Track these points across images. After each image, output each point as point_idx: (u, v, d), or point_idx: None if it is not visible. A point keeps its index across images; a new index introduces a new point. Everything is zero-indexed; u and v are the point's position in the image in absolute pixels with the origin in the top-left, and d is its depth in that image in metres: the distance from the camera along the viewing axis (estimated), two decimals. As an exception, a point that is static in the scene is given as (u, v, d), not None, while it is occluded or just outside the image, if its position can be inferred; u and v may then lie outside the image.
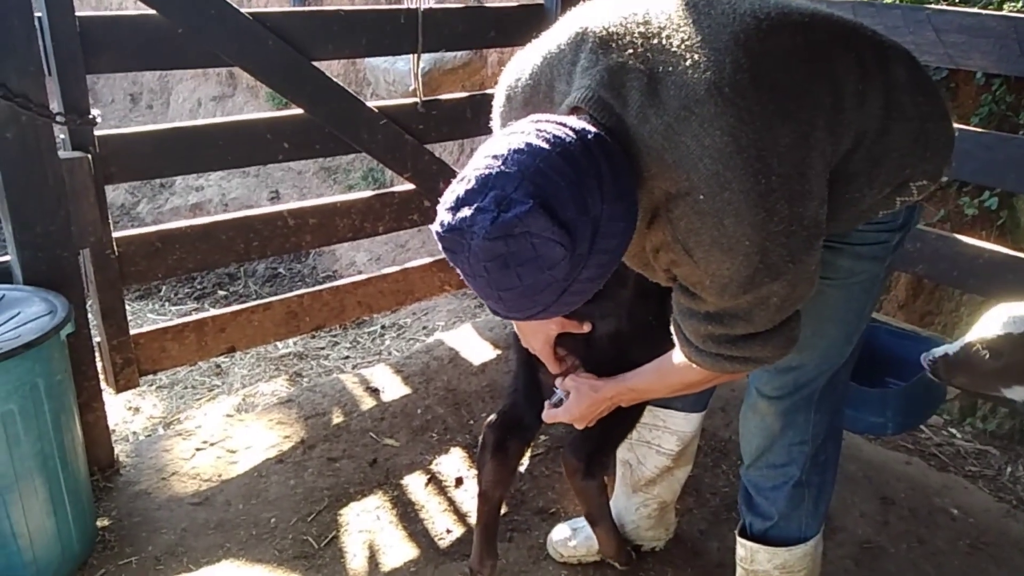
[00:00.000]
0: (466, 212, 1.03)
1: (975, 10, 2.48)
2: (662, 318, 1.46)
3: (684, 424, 1.92)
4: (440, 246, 1.10)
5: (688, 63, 1.14)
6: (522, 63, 1.35)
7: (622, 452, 2.01)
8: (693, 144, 1.12)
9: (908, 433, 2.75)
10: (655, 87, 1.14)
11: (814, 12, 1.27)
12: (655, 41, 1.17)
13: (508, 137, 1.08)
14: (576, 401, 1.57)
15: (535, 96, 1.31)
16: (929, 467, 2.55)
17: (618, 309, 1.64)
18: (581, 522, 2.11)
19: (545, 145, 1.05)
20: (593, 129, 1.11)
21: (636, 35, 1.19)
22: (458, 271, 1.10)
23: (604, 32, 1.21)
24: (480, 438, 1.87)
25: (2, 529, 1.85)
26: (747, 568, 1.71)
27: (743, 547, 1.71)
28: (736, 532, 1.74)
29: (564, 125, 1.10)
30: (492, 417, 1.87)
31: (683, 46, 1.15)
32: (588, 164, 1.06)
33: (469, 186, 1.05)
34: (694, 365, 1.34)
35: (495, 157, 1.05)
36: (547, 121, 1.11)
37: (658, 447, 1.95)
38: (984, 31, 2.28)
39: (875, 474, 2.48)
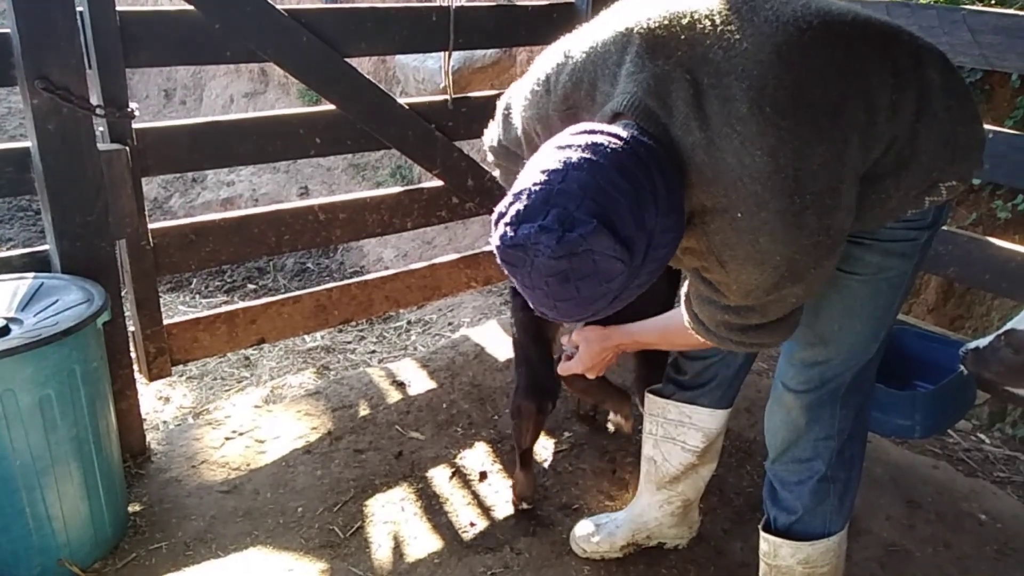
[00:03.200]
0: (528, 229, 1.05)
1: (1012, 11, 2.45)
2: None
3: (710, 421, 1.92)
4: (499, 258, 1.11)
5: (732, 77, 1.15)
6: (564, 54, 1.34)
7: (647, 449, 2.03)
8: (734, 162, 1.14)
9: (936, 437, 2.72)
10: (700, 100, 1.16)
11: (855, 18, 1.27)
12: (700, 49, 1.18)
13: (562, 151, 1.10)
14: (586, 350, 1.75)
15: (576, 92, 1.31)
16: (957, 471, 2.53)
17: None
18: (604, 518, 2.12)
19: (602, 160, 1.07)
20: (646, 140, 1.13)
21: (682, 40, 1.20)
22: (514, 281, 1.13)
23: (651, 35, 1.21)
24: (515, 408, 2.14)
25: (37, 512, 1.89)
26: (770, 563, 1.71)
27: (766, 542, 1.71)
28: (760, 527, 1.74)
29: (618, 137, 1.11)
30: (521, 391, 2.13)
31: (727, 56, 1.17)
32: (644, 178, 1.09)
33: (530, 202, 1.06)
34: (699, 338, 1.43)
35: (553, 172, 1.07)
36: (600, 133, 1.12)
37: (683, 443, 1.95)
38: (1021, 32, 2.25)
39: (902, 477, 2.46)
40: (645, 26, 1.23)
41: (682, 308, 1.42)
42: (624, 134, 1.12)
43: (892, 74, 1.27)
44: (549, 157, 1.10)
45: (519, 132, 1.48)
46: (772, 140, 1.13)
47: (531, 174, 1.10)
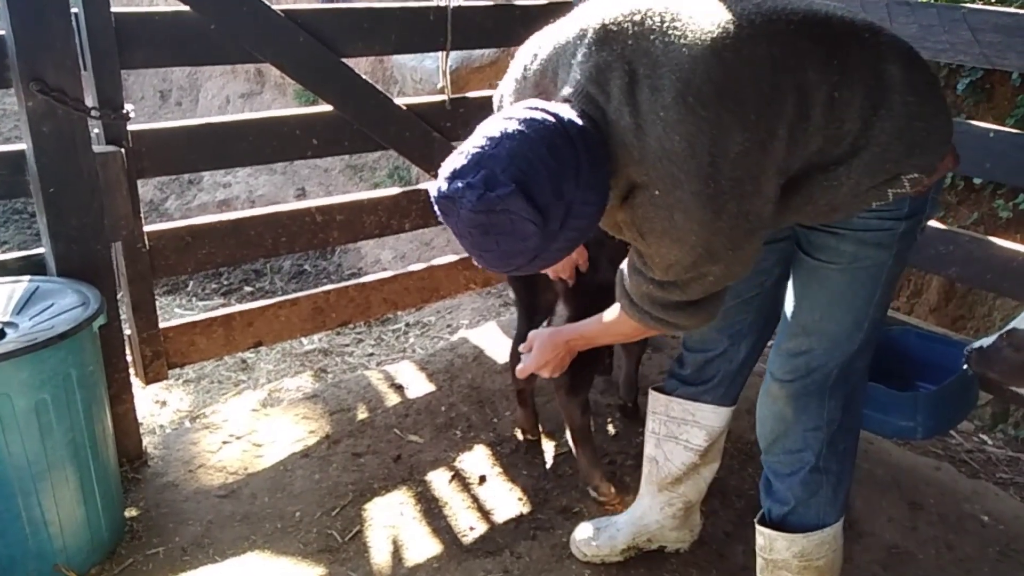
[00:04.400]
0: (459, 184, 1.20)
1: (1012, 9, 2.44)
2: None
3: (713, 419, 1.91)
4: (435, 209, 1.27)
5: (666, 69, 1.26)
6: (537, 46, 1.48)
7: (649, 448, 2.01)
8: (655, 145, 1.26)
9: (938, 438, 2.72)
10: (633, 88, 1.28)
11: (808, 16, 1.36)
12: (644, 43, 1.30)
13: (505, 122, 1.24)
14: (539, 348, 1.77)
15: (543, 80, 1.44)
16: (959, 473, 2.52)
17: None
18: (604, 522, 2.11)
19: (532, 134, 1.21)
20: (580, 123, 1.26)
21: (630, 35, 1.31)
22: (449, 229, 1.28)
23: (603, 30, 1.33)
24: (511, 354, 2.45)
25: (33, 516, 1.88)
26: (767, 557, 1.72)
27: (762, 535, 1.72)
28: (755, 520, 1.74)
29: (556, 116, 1.24)
30: (515, 339, 2.40)
31: (666, 50, 1.28)
32: (569, 155, 1.22)
33: (465, 162, 1.22)
34: (625, 316, 1.53)
35: (490, 139, 1.22)
36: (541, 110, 1.25)
37: (686, 442, 1.94)
38: (1021, 31, 2.24)
39: (904, 478, 2.45)
40: (600, 21, 1.34)
41: (616, 282, 1.55)
42: (562, 114, 1.25)
43: (838, 71, 1.35)
44: (493, 125, 1.24)
45: None
46: (691, 127, 1.24)
47: (475, 136, 1.25)
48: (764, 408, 1.69)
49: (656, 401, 1.97)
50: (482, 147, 1.21)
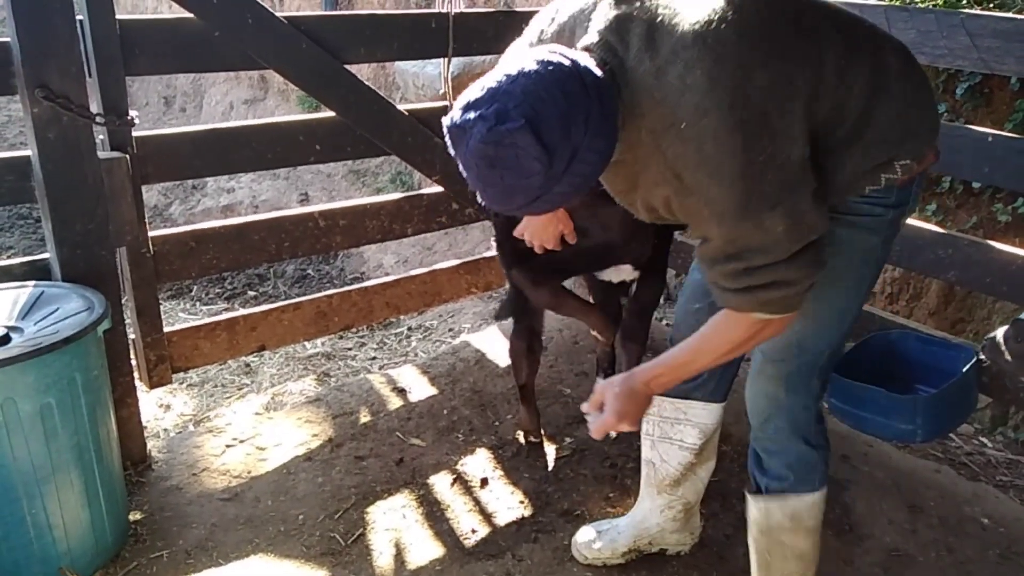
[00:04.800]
0: (471, 115, 1.23)
1: (1010, 15, 2.45)
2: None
3: (705, 416, 1.92)
4: (446, 138, 1.28)
5: (683, 15, 1.30)
6: (555, 10, 1.52)
7: (645, 451, 2.02)
8: (677, 82, 1.28)
9: (938, 441, 2.72)
10: (652, 35, 1.31)
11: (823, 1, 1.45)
12: None
13: (524, 60, 1.26)
14: (614, 399, 1.57)
15: (560, 40, 1.47)
16: (959, 476, 2.52)
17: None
18: (605, 524, 2.12)
19: (549, 76, 1.23)
20: (597, 72, 1.28)
21: None
22: (457, 160, 1.29)
23: None
24: (512, 345, 2.53)
25: (38, 520, 1.89)
26: (761, 526, 1.76)
27: (756, 507, 1.75)
28: (747, 491, 1.77)
29: (574, 62, 1.26)
30: (515, 333, 2.51)
31: (684, 2, 1.32)
32: (582, 99, 1.23)
33: (479, 95, 1.24)
34: (735, 313, 1.43)
35: (507, 75, 1.24)
36: (560, 54, 1.27)
37: (680, 442, 1.96)
38: (1019, 36, 2.25)
39: (904, 482, 2.46)
40: None
41: (712, 291, 1.47)
42: (580, 60, 1.27)
43: (845, 45, 1.40)
44: (513, 62, 1.27)
45: None
46: (711, 63, 1.27)
47: (494, 72, 1.27)
48: (755, 387, 1.71)
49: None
50: (498, 82, 1.24)
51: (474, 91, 1.26)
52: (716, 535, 2.21)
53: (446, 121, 1.28)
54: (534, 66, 1.24)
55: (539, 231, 2.06)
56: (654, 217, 1.53)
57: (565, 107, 1.22)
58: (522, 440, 2.58)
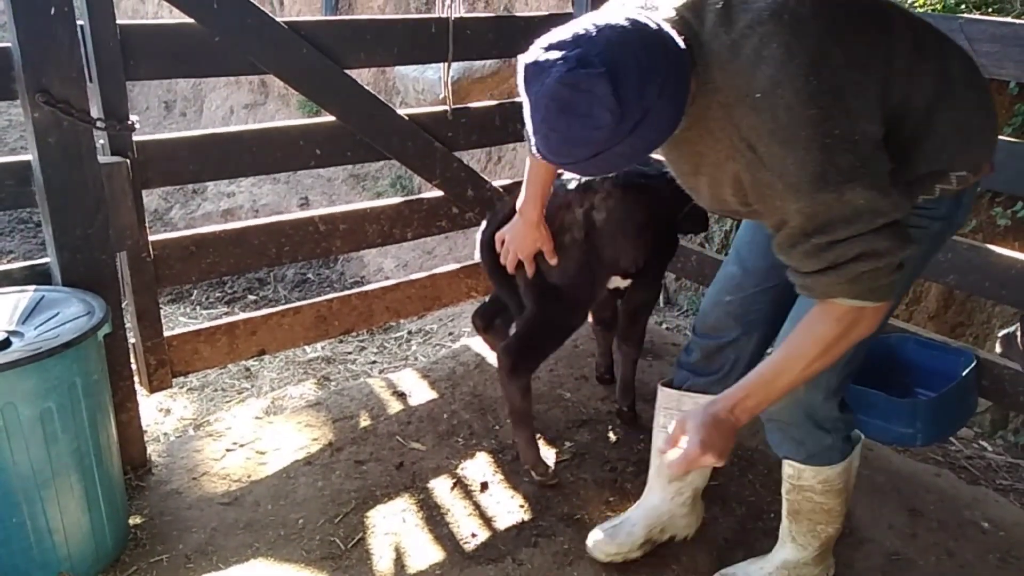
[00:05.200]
0: (553, 55, 1.23)
1: (1009, 19, 2.46)
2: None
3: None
4: (521, 75, 1.29)
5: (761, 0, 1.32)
6: (620, 2, 1.51)
7: (659, 442, 2.03)
8: (752, 55, 1.29)
9: (938, 445, 2.72)
10: (728, 11, 1.33)
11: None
12: None
13: (612, 14, 1.28)
14: (697, 430, 1.44)
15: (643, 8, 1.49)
16: (959, 479, 2.52)
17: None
18: (616, 520, 2.14)
19: (634, 32, 1.25)
20: (678, 41, 1.29)
21: None
22: (525, 100, 1.29)
23: None
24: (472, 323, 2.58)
25: (38, 525, 1.89)
26: (794, 483, 1.83)
27: (791, 467, 1.82)
28: (782, 456, 1.84)
29: (660, 26, 1.28)
30: (477, 309, 2.56)
31: None
32: (661, 62, 1.25)
33: (565, 38, 1.25)
34: (821, 309, 1.38)
35: (595, 25, 1.25)
36: (648, 17, 1.30)
37: None
38: (1018, 40, 2.26)
39: (904, 485, 2.46)
40: None
41: (798, 288, 1.42)
42: (664, 27, 1.29)
43: (914, 42, 1.41)
44: (601, 14, 1.28)
45: None
46: (787, 36, 1.28)
47: (582, 20, 1.28)
48: None
49: (667, 397, 2.01)
50: (585, 30, 1.25)
51: (558, 33, 1.26)
52: (716, 539, 2.21)
53: (523, 58, 1.28)
54: (622, 21, 1.25)
55: (519, 241, 2.12)
56: (720, 204, 1.52)
57: (646, 65, 1.23)
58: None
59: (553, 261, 2.17)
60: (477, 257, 2.38)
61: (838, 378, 1.67)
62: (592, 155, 1.26)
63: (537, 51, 1.27)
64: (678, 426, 1.48)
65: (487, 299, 2.62)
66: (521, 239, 2.14)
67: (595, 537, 2.11)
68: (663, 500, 2.09)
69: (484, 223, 2.37)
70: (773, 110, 1.27)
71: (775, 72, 1.26)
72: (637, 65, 1.22)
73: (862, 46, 1.34)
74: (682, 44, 1.29)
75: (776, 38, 1.27)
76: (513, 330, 2.44)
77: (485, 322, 2.58)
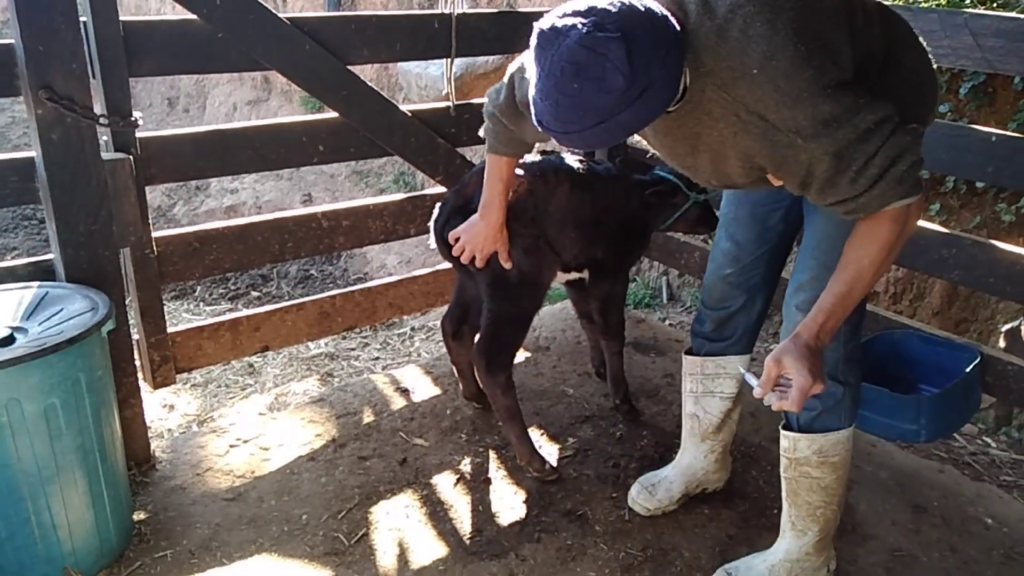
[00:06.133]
0: (570, 21, 1.31)
1: (1013, 14, 2.45)
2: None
3: (739, 365, 2.15)
4: (535, 41, 1.36)
5: None
6: None
7: (688, 407, 2.24)
8: (740, 36, 1.39)
9: (941, 441, 2.72)
10: (707, 1, 1.42)
11: None
12: None
13: None
14: (800, 364, 1.52)
15: None
16: (963, 476, 2.52)
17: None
18: (653, 478, 2.30)
19: (644, 10, 1.35)
20: (676, 26, 1.39)
21: None
22: (536, 69, 1.36)
23: None
24: (440, 330, 2.65)
25: (43, 520, 1.89)
26: (790, 457, 1.90)
27: (786, 438, 1.89)
28: (780, 426, 1.91)
29: (662, 9, 1.38)
30: (445, 315, 2.63)
31: None
32: (666, 39, 1.35)
33: (580, 7, 1.33)
34: (874, 219, 1.48)
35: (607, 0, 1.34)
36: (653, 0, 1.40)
37: (721, 393, 2.18)
38: (1023, 35, 2.25)
39: (908, 482, 2.45)
40: None
41: (845, 213, 1.51)
42: (665, 11, 1.39)
43: (863, 9, 1.57)
44: None
45: None
46: (768, 13, 1.38)
47: None
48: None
49: (691, 363, 2.21)
50: (598, 2, 1.33)
51: (573, 4, 1.35)
52: (720, 535, 2.21)
53: (539, 25, 1.35)
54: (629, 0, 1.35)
55: (478, 242, 2.19)
56: (721, 179, 1.66)
57: (655, 36, 1.33)
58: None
59: (508, 265, 2.23)
60: (432, 245, 2.42)
61: (848, 325, 1.76)
62: (597, 123, 1.33)
63: (552, 18, 1.34)
64: (773, 367, 1.55)
65: (453, 299, 2.65)
66: (481, 240, 2.19)
67: (637, 493, 2.28)
68: (696, 458, 2.28)
69: (436, 211, 2.40)
70: (773, 81, 1.38)
71: (766, 48, 1.37)
72: (647, 35, 1.31)
73: (830, 10, 1.48)
74: (677, 29, 1.39)
75: (758, 17, 1.38)
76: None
77: (454, 327, 2.63)
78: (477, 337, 2.42)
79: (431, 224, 2.40)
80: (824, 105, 1.38)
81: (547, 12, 1.40)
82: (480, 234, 2.18)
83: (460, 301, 2.61)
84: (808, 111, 1.39)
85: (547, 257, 2.32)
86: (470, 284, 2.50)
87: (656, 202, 2.55)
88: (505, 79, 1.91)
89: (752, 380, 1.62)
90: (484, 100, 2.03)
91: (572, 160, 2.38)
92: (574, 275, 2.51)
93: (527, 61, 1.76)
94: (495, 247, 2.19)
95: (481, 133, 2.08)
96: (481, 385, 2.40)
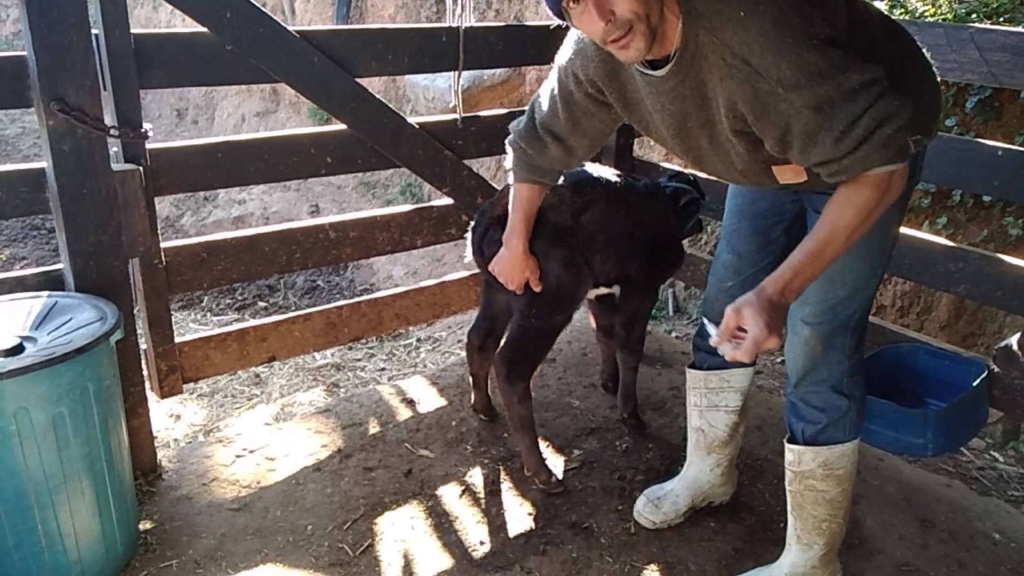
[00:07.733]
0: None
1: (1019, 29, 2.45)
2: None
3: (743, 379, 2.16)
4: None
5: None
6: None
7: (694, 420, 2.24)
8: None
9: (949, 456, 2.71)
10: None
11: None
12: None
13: None
14: (758, 316, 1.50)
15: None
16: (970, 490, 2.51)
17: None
18: (659, 491, 2.29)
19: None
20: None
21: None
22: None
23: None
24: (466, 342, 2.69)
25: (49, 529, 1.90)
26: (795, 470, 1.91)
27: (791, 452, 1.91)
28: (784, 440, 1.93)
29: None
30: (472, 327, 2.66)
31: None
32: None
33: None
34: (856, 182, 1.46)
35: None
36: None
37: (726, 407, 2.19)
38: (1029, 50, 2.26)
39: (915, 496, 2.44)
40: None
41: (831, 175, 1.49)
42: None
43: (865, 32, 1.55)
44: None
45: (571, 86, 1.81)
46: None
47: None
48: (795, 349, 1.86)
49: (695, 377, 2.21)
50: None
51: None
52: (726, 548, 2.20)
53: None
54: None
55: (508, 273, 2.23)
56: (721, 157, 1.66)
57: None
58: (539, 484, 2.43)
59: (538, 289, 2.24)
60: (468, 258, 2.43)
61: (853, 339, 1.81)
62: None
63: None
64: (732, 317, 1.53)
65: (480, 313, 2.66)
66: (509, 271, 2.23)
67: (642, 507, 2.28)
68: (702, 471, 2.28)
69: (472, 223, 2.41)
70: (760, 25, 1.39)
71: None
72: None
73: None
74: None
75: None
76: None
77: (480, 339, 2.64)
78: (501, 344, 2.42)
79: (468, 235, 2.41)
80: (809, 55, 1.37)
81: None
82: (507, 264, 2.21)
83: (488, 315, 2.62)
84: (792, 59, 1.38)
85: (583, 272, 2.31)
86: (498, 298, 2.50)
87: (693, 211, 2.57)
88: (528, 107, 1.99)
89: (711, 329, 1.59)
90: (492, 113, 2.07)
91: (609, 174, 2.39)
92: (604, 290, 2.51)
93: (543, 91, 1.84)
94: (525, 275, 2.22)
95: (507, 165, 2.11)
96: (499, 392, 2.39)
